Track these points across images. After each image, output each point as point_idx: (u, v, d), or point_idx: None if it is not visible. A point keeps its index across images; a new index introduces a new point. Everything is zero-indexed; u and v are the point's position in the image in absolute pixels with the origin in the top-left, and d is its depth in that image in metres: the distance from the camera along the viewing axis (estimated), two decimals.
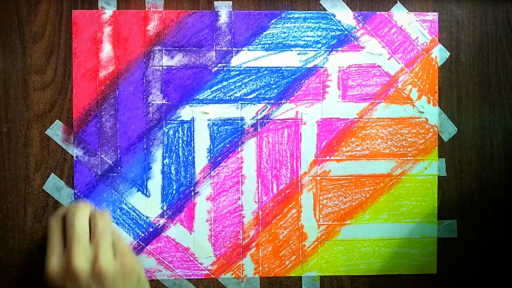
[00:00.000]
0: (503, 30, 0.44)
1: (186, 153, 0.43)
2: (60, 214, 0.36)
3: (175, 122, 0.43)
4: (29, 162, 0.42)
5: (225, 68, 0.43)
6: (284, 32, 0.43)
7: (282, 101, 0.43)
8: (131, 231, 0.42)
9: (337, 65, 0.43)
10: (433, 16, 0.44)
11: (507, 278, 0.44)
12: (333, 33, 0.43)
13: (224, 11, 0.43)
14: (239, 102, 0.43)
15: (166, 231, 0.43)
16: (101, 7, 0.42)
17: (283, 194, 0.43)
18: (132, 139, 0.42)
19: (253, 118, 0.43)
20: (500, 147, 0.44)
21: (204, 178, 0.43)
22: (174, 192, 0.43)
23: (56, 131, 0.42)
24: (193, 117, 0.43)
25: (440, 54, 0.44)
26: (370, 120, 0.43)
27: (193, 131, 0.43)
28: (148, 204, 0.42)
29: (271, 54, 0.43)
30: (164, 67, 0.42)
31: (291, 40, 0.43)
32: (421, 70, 0.44)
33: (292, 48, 0.43)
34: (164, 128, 0.43)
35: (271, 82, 0.43)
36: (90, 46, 0.42)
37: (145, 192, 0.42)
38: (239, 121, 0.43)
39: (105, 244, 0.34)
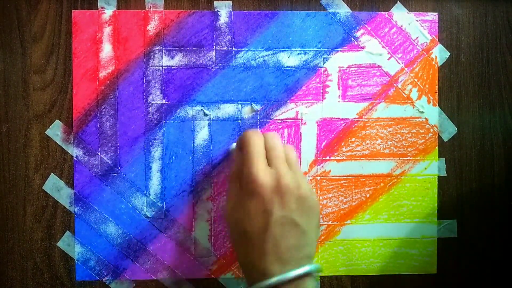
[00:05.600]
0: (503, 30, 0.44)
1: (186, 153, 0.43)
2: (257, 133, 0.37)
3: (175, 122, 0.43)
4: (29, 162, 0.42)
5: (225, 68, 0.43)
6: (284, 32, 0.43)
7: (282, 101, 0.43)
8: (131, 231, 0.42)
9: (337, 65, 0.43)
10: (433, 16, 0.44)
11: (507, 278, 0.44)
12: (333, 33, 0.43)
13: (224, 11, 0.43)
14: (239, 102, 0.43)
15: (166, 231, 0.43)
16: (101, 7, 0.42)
17: None
18: (132, 139, 0.42)
19: (253, 118, 0.43)
20: (500, 147, 0.44)
21: (204, 178, 0.43)
22: (174, 192, 0.43)
23: (56, 131, 0.42)
24: (193, 117, 0.43)
25: (440, 54, 0.44)
26: (370, 120, 0.43)
27: (193, 131, 0.43)
28: (148, 204, 0.42)
29: (271, 54, 0.43)
30: (164, 67, 0.42)
31: (291, 40, 0.43)
32: (421, 70, 0.44)
33: (292, 48, 0.43)
34: (164, 128, 0.43)
35: (271, 82, 0.43)
36: (90, 46, 0.42)
37: (145, 192, 0.42)
38: (239, 121, 0.43)
39: (303, 175, 0.37)
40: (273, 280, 0.32)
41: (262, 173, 0.34)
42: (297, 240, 0.33)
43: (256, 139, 0.36)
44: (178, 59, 0.42)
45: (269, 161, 0.36)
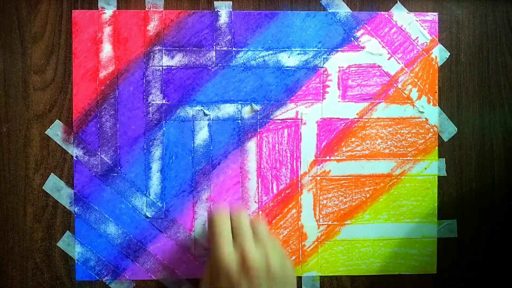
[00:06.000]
0: (503, 30, 0.44)
1: (186, 153, 0.43)
2: (223, 213, 0.37)
3: (175, 122, 0.43)
4: (29, 162, 0.42)
5: (225, 68, 0.43)
6: (284, 32, 0.43)
7: (282, 101, 0.43)
8: (131, 231, 0.42)
9: (337, 65, 0.43)
10: (433, 16, 0.44)
11: (507, 278, 0.44)
12: (333, 33, 0.43)
13: (224, 11, 0.43)
14: (239, 102, 0.43)
15: (166, 231, 0.43)
16: (101, 7, 0.42)
17: (283, 194, 0.43)
18: (132, 139, 0.42)
19: (253, 118, 0.43)
20: (500, 147, 0.44)
21: (204, 178, 0.43)
22: (174, 192, 0.43)
23: (56, 131, 0.42)
24: (193, 117, 0.43)
25: (440, 54, 0.44)
26: (370, 120, 0.43)
27: (193, 131, 0.43)
28: (148, 204, 0.42)
29: (271, 54, 0.43)
30: (164, 67, 0.42)
31: (291, 40, 0.43)
32: (421, 70, 0.44)
33: (292, 48, 0.43)
34: (164, 128, 0.43)
35: (271, 82, 0.43)
36: (90, 46, 0.42)
37: (145, 192, 0.42)
38: (239, 121, 0.43)
39: (275, 248, 0.35)
40: None
41: (226, 255, 0.33)
42: None
43: (219, 219, 0.36)
44: (178, 59, 0.42)
45: (235, 240, 0.35)
